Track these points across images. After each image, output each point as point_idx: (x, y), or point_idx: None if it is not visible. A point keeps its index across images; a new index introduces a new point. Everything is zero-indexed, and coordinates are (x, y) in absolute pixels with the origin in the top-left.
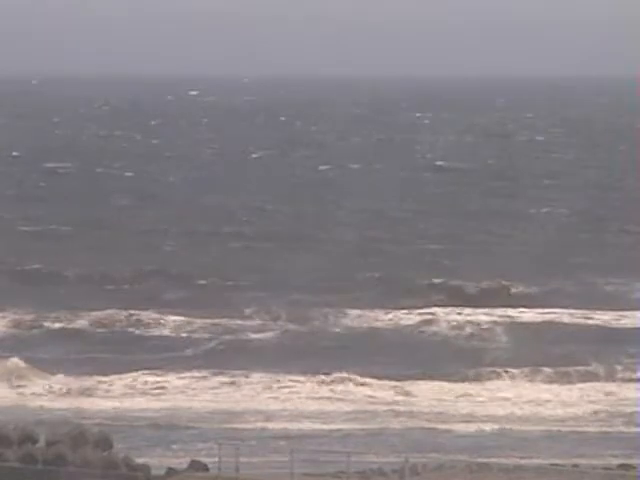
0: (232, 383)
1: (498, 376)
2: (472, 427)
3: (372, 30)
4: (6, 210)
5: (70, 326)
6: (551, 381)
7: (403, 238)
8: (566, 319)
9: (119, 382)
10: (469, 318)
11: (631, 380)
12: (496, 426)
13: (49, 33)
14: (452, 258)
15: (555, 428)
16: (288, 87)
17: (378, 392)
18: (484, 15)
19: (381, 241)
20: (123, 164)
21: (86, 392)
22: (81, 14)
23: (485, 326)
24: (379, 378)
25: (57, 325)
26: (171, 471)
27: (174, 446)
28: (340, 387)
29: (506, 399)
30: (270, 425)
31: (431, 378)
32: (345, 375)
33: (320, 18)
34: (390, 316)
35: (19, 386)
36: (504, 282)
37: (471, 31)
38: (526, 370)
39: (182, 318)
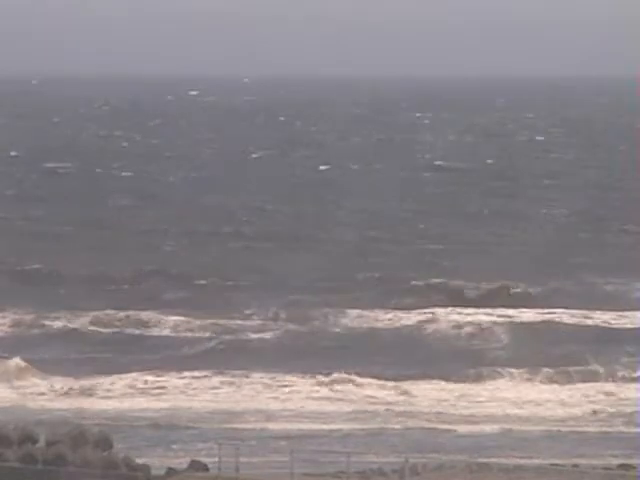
0: (232, 383)
1: (498, 376)
2: (472, 427)
3: (372, 30)
4: (6, 210)
5: (70, 326)
6: (551, 381)
7: (403, 238)
8: (566, 319)
9: (119, 382)
10: (469, 318)
11: (631, 380)
12: (496, 426)
13: (49, 33)
14: (452, 258)
15: (555, 428)
16: (288, 87)
17: (378, 392)
18: (484, 15)
19: (381, 241)
20: (123, 164)
21: (86, 392)
22: (81, 14)
23: (485, 326)
24: (379, 378)
25: (57, 325)
26: (171, 471)
27: (174, 446)
28: (340, 387)
29: (506, 399)
30: (270, 425)
31: (431, 378)
32: (345, 375)
33: (320, 18)
34: (390, 316)
35: (19, 386)
36: (504, 282)
37: (471, 31)
38: (526, 370)
39: (182, 318)
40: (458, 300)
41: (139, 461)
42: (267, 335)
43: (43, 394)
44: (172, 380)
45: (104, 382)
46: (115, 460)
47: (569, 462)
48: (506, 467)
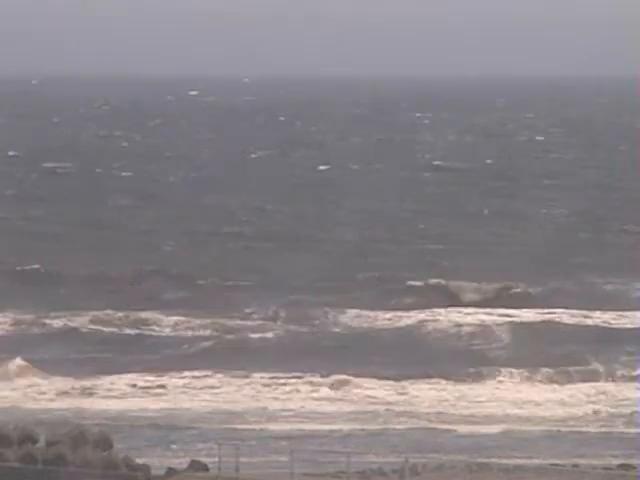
0: (232, 383)
1: (498, 376)
2: (472, 427)
3: (372, 30)
4: (6, 210)
5: (70, 326)
6: (551, 381)
7: (403, 238)
8: (566, 319)
9: (119, 382)
10: (469, 318)
11: (631, 379)
12: (496, 426)
13: (49, 33)
14: (452, 258)
15: (555, 428)
16: (288, 87)
17: (378, 392)
18: (484, 15)
19: (381, 241)
20: (123, 164)
21: (86, 392)
22: (81, 14)
23: (485, 326)
24: (379, 378)
25: (57, 325)
26: (171, 471)
27: (174, 446)
28: (340, 387)
29: (506, 399)
30: (270, 425)
31: (431, 378)
32: (345, 375)
33: (320, 18)
34: (390, 316)
35: (19, 386)
36: (504, 282)
37: (471, 31)
38: (526, 370)
39: (182, 318)
40: (458, 300)
41: (139, 461)
42: (267, 335)
43: (43, 394)
44: (172, 380)
45: (104, 382)
46: (115, 460)
47: (569, 462)
48: (506, 467)
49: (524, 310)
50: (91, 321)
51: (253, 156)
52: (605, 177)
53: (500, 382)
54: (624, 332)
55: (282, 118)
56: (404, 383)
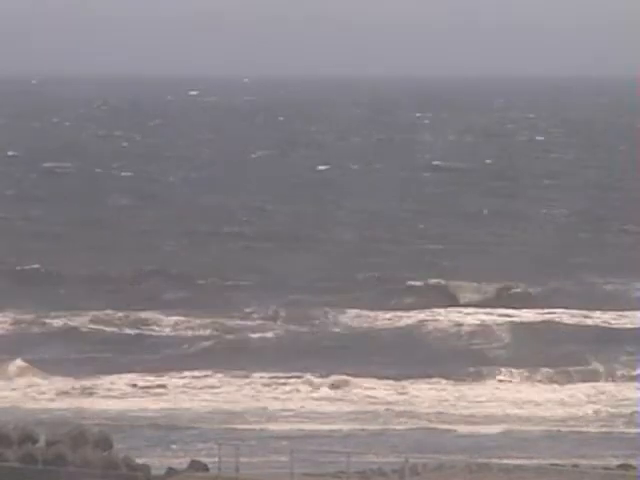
0: (232, 383)
1: (498, 376)
2: (472, 427)
3: (372, 30)
4: (6, 210)
5: (70, 326)
6: (551, 381)
7: (403, 238)
8: (566, 319)
9: (119, 382)
10: (469, 318)
11: (631, 380)
12: (496, 426)
13: (49, 33)
14: (452, 258)
15: (555, 428)
16: (288, 87)
17: (378, 392)
18: (484, 15)
19: (381, 241)
20: (123, 164)
21: (86, 392)
22: (81, 14)
23: (485, 326)
24: (379, 378)
25: (57, 325)
26: (171, 471)
27: (174, 446)
28: (340, 387)
29: (506, 399)
30: (270, 425)
31: (431, 378)
32: (345, 375)
33: (320, 18)
34: (390, 316)
35: (19, 386)
36: (504, 282)
37: (471, 31)
38: (526, 370)
39: (182, 318)
40: (458, 300)
41: (139, 461)
42: (267, 335)
43: (43, 394)
44: (172, 380)
45: (104, 382)
46: (115, 460)
47: (569, 462)
48: (506, 467)
49: (524, 310)
50: (91, 321)
51: (253, 156)
52: (605, 177)
53: (500, 382)
54: (624, 332)
55: (282, 118)
56: (404, 383)
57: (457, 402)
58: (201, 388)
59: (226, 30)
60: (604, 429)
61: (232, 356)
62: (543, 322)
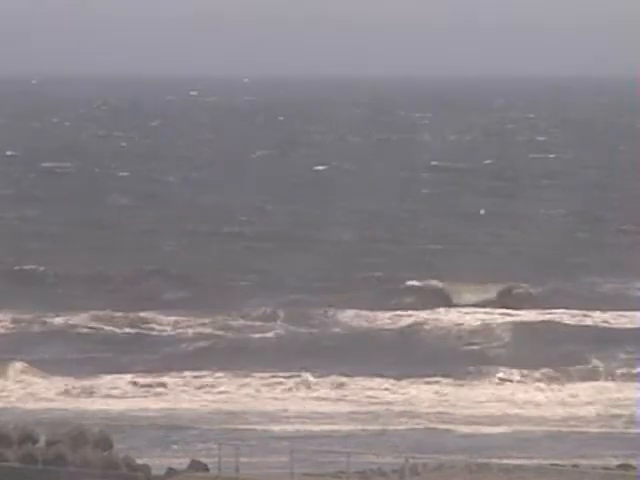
0: (232, 383)
1: (498, 376)
2: (472, 427)
3: (372, 30)
4: (5, 210)
5: (70, 326)
6: (551, 381)
7: (403, 238)
8: (566, 319)
9: (119, 382)
10: (469, 318)
11: (631, 379)
12: (496, 426)
13: (49, 33)
14: (451, 258)
15: (555, 428)
16: (288, 87)
17: (378, 392)
18: (484, 15)
19: (381, 241)
20: (122, 164)
21: (86, 392)
22: (81, 14)
23: (485, 326)
24: (379, 378)
25: (57, 325)
26: (171, 471)
27: (174, 446)
28: (340, 387)
29: (506, 399)
30: (270, 425)
31: (431, 378)
32: (345, 375)
33: (320, 18)
34: (390, 316)
35: (19, 386)
36: (504, 282)
37: (471, 31)
38: (526, 370)
39: (182, 318)
40: (458, 300)
41: (139, 461)
42: (267, 335)
43: (43, 394)
44: (172, 380)
45: (104, 382)
46: (115, 460)
47: (569, 462)
48: (506, 467)
49: (524, 310)
50: (91, 321)
51: (253, 156)
52: (605, 177)
53: (500, 382)
54: (624, 332)
55: (282, 118)
56: (404, 383)
57: (457, 402)
58: (201, 388)
59: (226, 30)
60: (604, 429)
61: (232, 356)
62: (543, 322)
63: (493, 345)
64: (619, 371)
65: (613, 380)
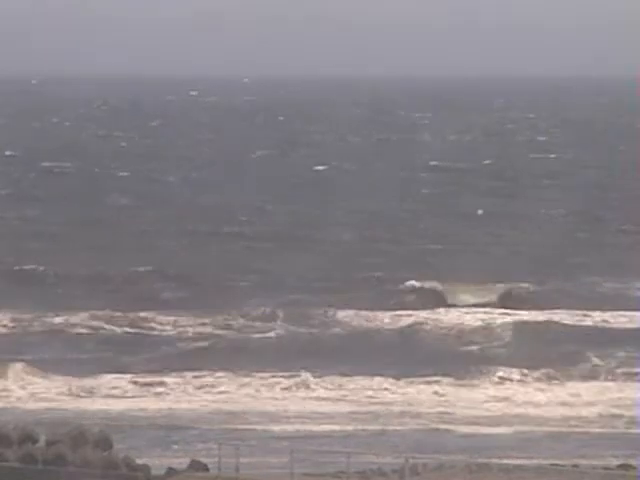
0: (232, 383)
1: (498, 376)
2: (472, 427)
3: (372, 30)
4: (4, 210)
5: (69, 326)
6: (551, 381)
7: (403, 238)
8: (566, 319)
9: (119, 382)
10: (469, 318)
11: (631, 379)
12: (496, 426)
13: (49, 33)
14: (451, 258)
15: (555, 428)
16: (288, 87)
17: (378, 392)
18: (484, 15)
19: (381, 241)
20: (122, 164)
21: (86, 392)
22: (81, 14)
23: (485, 326)
24: (379, 378)
25: (57, 325)
26: (171, 471)
27: (174, 446)
28: (340, 387)
29: (506, 399)
30: (270, 425)
31: (431, 378)
32: (345, 375)
33: (320, 18)
34: (389, 316)
35: (19, 386)
36: (504, 282)
37: (471, 31)
38: (526, 370)
39: (182, 318)
40: (458, 300)
41: (139, 461)
42: (267, 335)
43: (43, 394)
44: (172, 380)
45: (104, 382)
46: (115, 460)
47: (569, 462)
48: (506, 467)
49: (524, 310)
50: (91, 321)
51: (253, 156)
52: (605, 177)
53: (500, 382)
54: (624, 332)
55: (282, 118)
56: (404, 383)
57: (457, 402)
58: (201, 388)
59: (226, 30)
60: (604, 429)
61: (232, 356)
62: (543, 322)
63: (493, 345)
64: (619, 370)
65: (613, 380)
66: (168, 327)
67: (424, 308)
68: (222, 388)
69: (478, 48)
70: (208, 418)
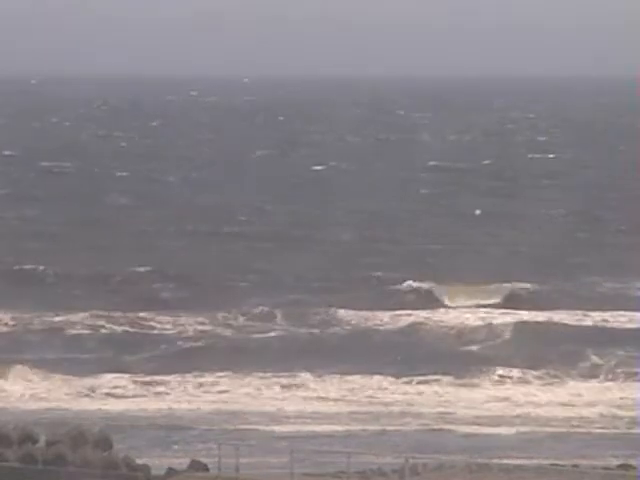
0: (232, 383)
1: (498, 376)
2: (473, 427)
3: (372, 30)
4: (4, 210)
5: (70, 326)
6: (551, 381)
7: (402, 238)
8: (566, 319)
9: (120, 382)
10: (469, 318)
11: (631, 380)
12: (497, 426)
13: (49, 33)
14: (451, 258)
15: (556, 429)
16: (288, 87)
17: (378, 392)
18: (484, 15)
19: (381, 241)
20: (122, 164)
21: (86, 392)
22: (81, 14)
23: (485, 326)
24: (379, 378)
25: (56, 325)
26: (171, 471)
27: (174, 446)
28: (340, 387)
29: (506, 399)
30: (270, 425)
31: (431, 378)
32: (345, 375)
33: (320, 18)
34: (389, 316)
35: (19, 386)
36: (503, 282)
37: (471, 31)
38: (526, 370)
39: (182, 318)
40: (458, 300)
41: (139, 461)
42: (267, 335)
43: (43, 394)
44: (172, 380)
45: (104, 382)
46: (115, 460)
47: (569, 462)
48: (506, 467)
49: (524, 310)
50: (91, 320)
51: (253, 156)
52: (605, 177)
53: (500, 382)
54: (624, 332)
55: (282, 118)
56: (404, 382)
57: (457, 402)
58: (201, 388)
59: (226, 30)
60: (605, 429)
61: (232, 356)
62: (543, 322)
63: (493, 345)
64: (619, 370)
65: (613, 380)
66: (168, 327)
67: (424, 308)
68: (222, 388)
69: (478, 48)
70: (208, 418)
